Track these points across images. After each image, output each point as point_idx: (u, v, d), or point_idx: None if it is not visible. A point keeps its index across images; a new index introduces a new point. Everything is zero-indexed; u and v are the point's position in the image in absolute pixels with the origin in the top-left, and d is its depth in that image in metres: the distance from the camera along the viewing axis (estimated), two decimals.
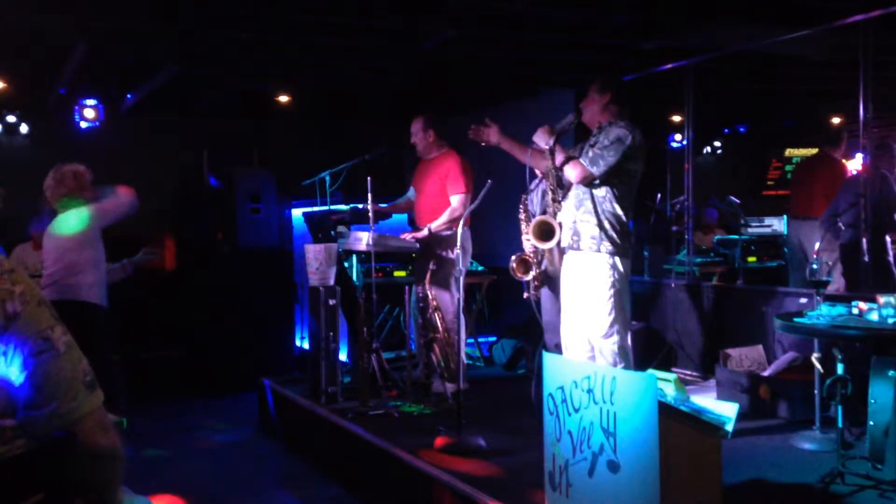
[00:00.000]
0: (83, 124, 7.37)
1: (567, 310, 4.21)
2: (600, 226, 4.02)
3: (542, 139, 4.16)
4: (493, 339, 6.91)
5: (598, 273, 4.02)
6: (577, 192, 4.11)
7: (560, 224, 4.13)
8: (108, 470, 1.60)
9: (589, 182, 4.04)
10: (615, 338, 4.04)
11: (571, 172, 4.05)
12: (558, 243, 4.14)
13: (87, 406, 1.56)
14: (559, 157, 4.11)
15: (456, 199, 5.33)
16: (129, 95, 7.53)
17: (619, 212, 4.06)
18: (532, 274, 4.32)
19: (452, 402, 4.78)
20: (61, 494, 1.53)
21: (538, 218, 4.21)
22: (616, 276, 4.02)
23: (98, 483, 1.59)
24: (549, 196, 4.22)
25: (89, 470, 1.57)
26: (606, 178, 4.02)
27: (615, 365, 3.92)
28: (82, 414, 1.55)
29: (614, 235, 4.03)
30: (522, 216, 4.41)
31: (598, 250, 4.02)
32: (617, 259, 4.03)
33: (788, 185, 8.23)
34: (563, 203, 4.18)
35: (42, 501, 1.52)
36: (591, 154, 4.04)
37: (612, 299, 4.01)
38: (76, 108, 7.33)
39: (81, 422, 1.55)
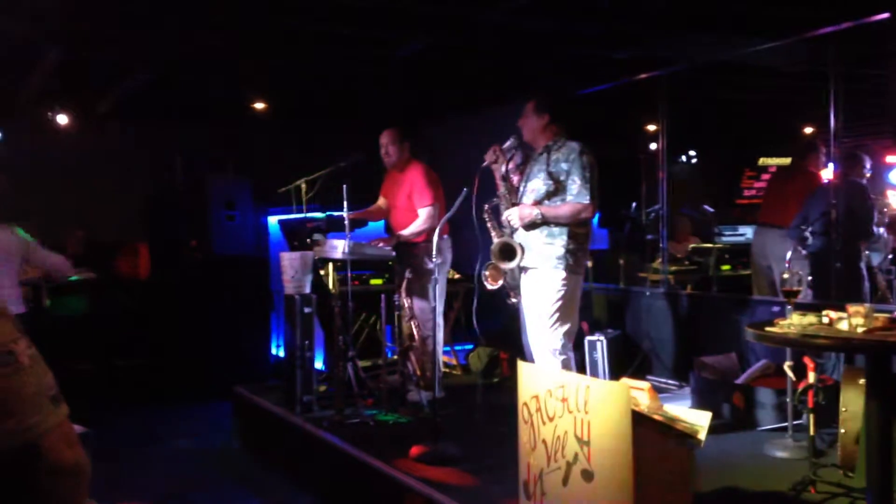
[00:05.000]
0: (57, 130, 7.29)
1: (528, 323, 4.32)
2: (565, 246, 4.12)
3: (490, 158, 4.27)
4: (469, 346, 6.90)
5: (551, 286, 4.14)
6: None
7: (522, 246, 4.19)
8: (74, 484, 1.57)
9: (594, 211, 4.14)
10: (560, 345, 4.14)
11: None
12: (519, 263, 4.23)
13: (52, 420, 1.53)
14: (558, 210, 4.14)
15: (423, 213, 5.34)
16: (103, 101, 7.47)
17: (583, 231, 4.18)
18: (501, 283, 4.33)
19: (428, 411, 4.77)
20: None
21: (500, 240, 4.27)
22: (567, 290, 4.14)
23: (63, 498, 1.56)
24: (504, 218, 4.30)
25: (54, 485, 1.54)
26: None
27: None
28: (47, 428, 1.52)
29: (576, 253, 4.15)
30: (490, 224, 4.42)
31: (559, 268, 4.12)
32: (571, 275, 4.14)
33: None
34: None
35: None
36: (575, 189, 4.09)
37: (561, 310, 4.13)
38: (50, 113, 7.25)
39: (46, 436, 1.51)
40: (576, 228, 4.15)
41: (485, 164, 4.27)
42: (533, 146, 4.36)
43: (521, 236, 4.24)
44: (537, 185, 4.20)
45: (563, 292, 4.12)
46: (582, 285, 4.30)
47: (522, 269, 4.27)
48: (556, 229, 4.13)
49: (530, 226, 4.18)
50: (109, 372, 6.57)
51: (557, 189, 4.15)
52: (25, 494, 1.60)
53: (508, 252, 4.24)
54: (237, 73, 6.70)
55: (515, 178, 4.40)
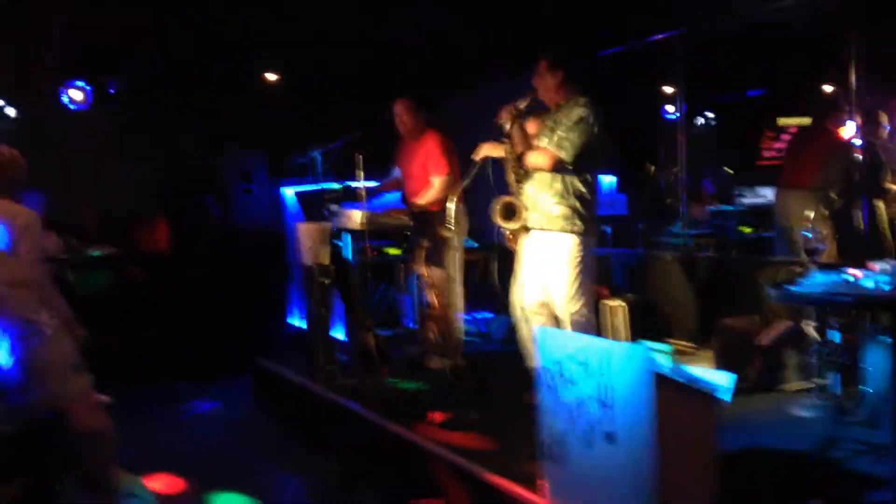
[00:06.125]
0: (71, 107, 7.31)
1: (530, 285, 4.27)
2: (572, 206, 4.08)
3: (504, 117, 4.20)
4: (489, 314, 6.90)
5: (567, 253, 4.11)
6: (544, 175, 4.14)
7: (526, 207, 4.16)
8: (99, 451, 1.59)
9: (560, 167, 4.05)
10: (583, 311, 4.14)
11: (540, 159, 4.09)
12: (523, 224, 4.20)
13: (76, 388, 1.55)
14: (521, 144, 4.14)
15: (437, 181, 5.31)
16: (116, 77, 7.47)
17: (587, 191, 4.13)
18: (514, 224, 4.28)
19: (449, 378, 4.79)
20: (52, 475, 1.52)
21: (504, 198, 4.22)
22: (583, 254, 4.12)
23: (89, 464, 1.58)
24: (511, 177, 4.23)
25: (80, 451, 1.56)
26: (576, 160, 4.05)
27: None
28: (71, 397, 1.54)
29: (584, 215, 4.11)
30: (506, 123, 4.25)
31: (569, 231, 4.09)
32: (584, 238, 4.12)
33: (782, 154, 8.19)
34: (527, 184, 4.21)
35: (32, 482, 1.51)
36: (556, 139, 4.05)
37: (580, 277, 4.11)
38: (63, 90, 7.26)
39: (70, 404, 1.53)
40: (578, 185, 4.10)
41: (497, 121, 4.23)
42: (547, 105, 4.31)
43: (528, 197, 4.21)
44: (545, 143, 4.16)
45: (577, 257, 4.10)
46: (594, 248, 4.26)
47: (527, 230, 4.24)
48: (561, 188, 4.09)
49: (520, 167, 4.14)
50: (132, 345, 6.62)
51: None
52: (52, 461, 1.63)
53: (511, 211, 4.21)
54: (252, 45, 6.67)
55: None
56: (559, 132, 4.06)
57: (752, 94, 9.45)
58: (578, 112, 4.06)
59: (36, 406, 1.52)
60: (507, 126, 4.19)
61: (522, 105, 4.21)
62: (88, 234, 7.33)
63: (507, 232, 4.31)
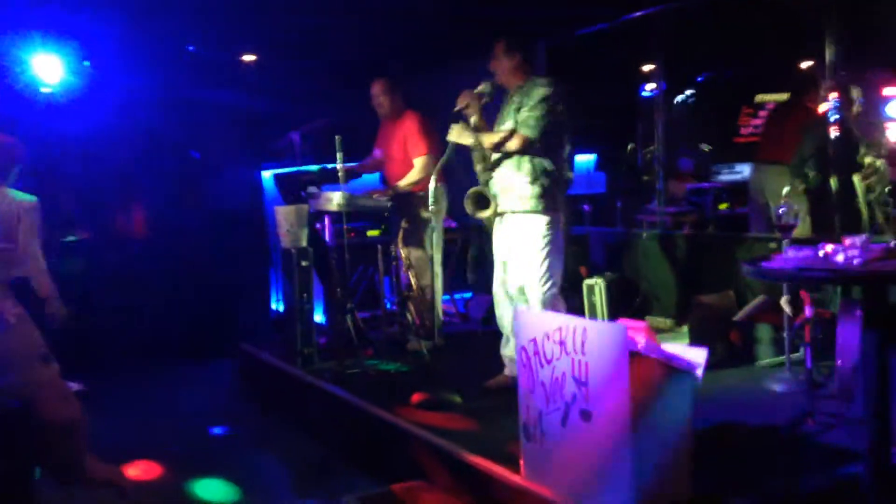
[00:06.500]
0: (44, 87, 7.20)
1: (512, 268, 4.28)
2: (542, 185, 4.09)
3: (461, 104, 4.22)
4: (468, 295, 6.92)
5: (537, 230, 4.12)
6: (513, 157, 4.15)
7: (494, 195, 4.18)
8: (69, 439, 1.59)
9: (529, 146, 4.07)
10: (552, 290, 4.15)
11: (512, 144, 4.10)
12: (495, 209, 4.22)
13: (43, 377, 1.54)
14: (491, 137, 4.15)
15: (418, 162, 5.30)
16: (90, 58, 7.36)
17: (556, 167, 4.13)
18: (487, 213, 4.29)
19: (428, 359, 4.81)
20: (22, 465, 1.52)
21: (472, 189, 4.24)
22: (553, 231, 4.13)
23: (60, 453, 1.58)
24: (479, 166, 4.25)
25: (50, 440, 1.56)
26: (543, 138, 4.05)
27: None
28: (38, 385, 1.53)
29: (554, 192, 4.12)
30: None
31: (539, 211, 4.10)
32: (554, 217, 4.13)
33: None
34: (495, 170, 4.22)
35: (5, 471, 1.51)
36: (520, 119, 4.06)
37: (550, 255, 4.12)
38: (36, 69, 7.14)
39: (38, 393, 1.53)
40: (546, 164, 4.10)
41: (456, 108, 4.22)
42: (507, 88, 4.31)
43: (497, 180, 4.21)
44: (509, 126, 4.16)
45: (547, 236, 4.12)
46: (565, 228, 4.28)
47: (499, 214, 4.25)
48: (530, 168, 4.09)
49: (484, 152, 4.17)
50: (109, 332, 6.57)
51: None
52: (22, 451, 1.62)
53: (482, 201, 4.22)
54: (228, 25, 6.59)
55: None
56: (523, 112, 4.07)
57: (729, 71, 9.47)
58: (540, 91, 4.07)
59: (3, 395, 1.51)
60: (473, 118, 4.20)
61: (481, 89, 4.21)
62: (65, 220, 7.23)
63: (483, 219, 4.33)
